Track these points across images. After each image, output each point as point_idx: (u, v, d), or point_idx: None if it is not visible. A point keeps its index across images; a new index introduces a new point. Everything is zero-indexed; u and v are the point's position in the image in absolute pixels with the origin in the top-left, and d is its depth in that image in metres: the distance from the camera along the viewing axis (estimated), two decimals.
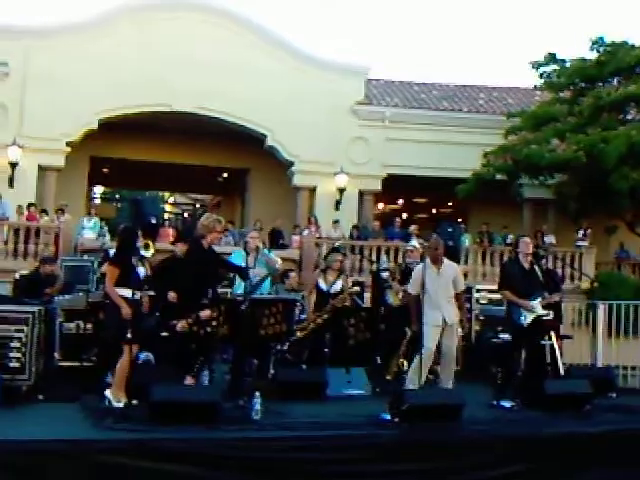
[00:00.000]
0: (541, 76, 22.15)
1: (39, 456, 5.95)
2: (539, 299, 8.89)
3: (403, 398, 7.26)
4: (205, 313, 8.28)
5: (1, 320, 8.24)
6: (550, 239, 19.90)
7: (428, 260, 8.68)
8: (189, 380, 7.97)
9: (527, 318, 8.80)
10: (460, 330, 9.39)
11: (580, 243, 20.15)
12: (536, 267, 9.21)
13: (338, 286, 10.01)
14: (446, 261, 8.77)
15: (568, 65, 21.42)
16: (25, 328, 8.27)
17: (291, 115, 20.94)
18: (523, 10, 64.47)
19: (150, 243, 7.84)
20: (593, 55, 20.95)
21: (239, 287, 9.41)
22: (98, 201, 31.43)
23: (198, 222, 8.77)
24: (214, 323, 8.56)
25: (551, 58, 21.80)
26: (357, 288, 10.71)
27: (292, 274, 11.39)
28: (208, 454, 6.30)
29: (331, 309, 9.72)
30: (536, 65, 21.92)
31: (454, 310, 8.64)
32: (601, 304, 11.84)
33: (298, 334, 9.68)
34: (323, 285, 10.06)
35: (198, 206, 33.31)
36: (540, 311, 8.88)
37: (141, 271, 7.80)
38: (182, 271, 8.51)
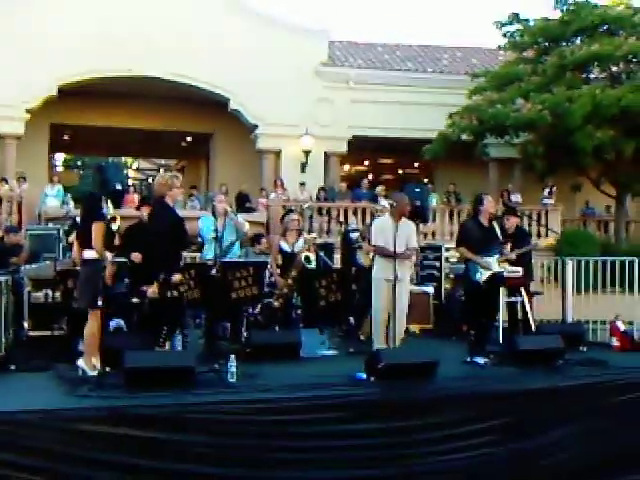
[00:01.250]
0: (505, 36, 22.10)
1: (14, 426, 5.86)
2: (496, 256, 8.84)
3: (379, 357, 7.28)
4: (176, 277, 8.21)
5: None
6: (517, 197, 20.03)
7: (388, 215, 8.65)
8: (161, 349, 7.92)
9: (483, 275, 8.75)
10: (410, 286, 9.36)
11: (546, 201, 20.33)
12: (495, 224, 9.20)
13: (300, 245, 10.01)
14: (404, 218, 8.71)
15: (532, 24, 21.41)
16: None
17: (254, 78, 20.67)
18: None
19: (117, 216, 7.75)
20: (557, 14, 20.97)
21: (209, 251, 9.35)
22: (60, 169, 31.04)
23: (153, 185, 8.63)
24: (184, 287, 8.52)
25: (514, 18, 21.75)
26: (314, 234, 10.71)
27: (263, 239, 11.35)
28: (184, 419, 6.24)
29: (297, 265, 9.71)
30: (500, 25, 21.87)
31: (407, 266, 8.70)
32: (569, 260, 11.97)
33: (276, 303, 9.68)
34: (286, 247, 10.06)
35: (162, 171, 33.03)
36: (496, 268, 8.82)
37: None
38: (150, 235, 8.37)
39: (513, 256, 9.39)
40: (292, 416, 6.52)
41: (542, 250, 12.78)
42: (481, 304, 8.84)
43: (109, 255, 7.56)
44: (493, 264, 8.79)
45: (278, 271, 9.90)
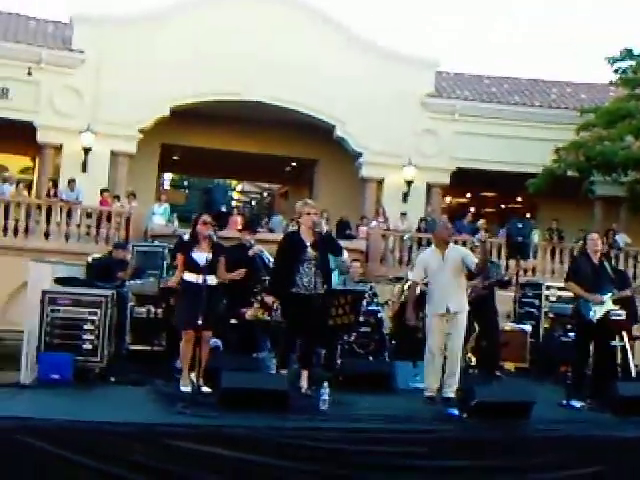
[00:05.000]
0: (616, 72, 21.61)
1: (109, 437, 6.06)
2: (609, 294, 8.60)
3: (472, 394, 7.20)
4: (268, 299, 8.36)
5: (75, 303, 8.45)
6: (622, 237, 19.47)
7: (433, 246, 8.53)
8: (285, 373, 7.95)
9: (597, 313, 8.51)
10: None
11: None
12: (606, 264, 8.94)
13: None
14: (451, 245, 8.44)
15: None
16: (98, 311, 8.46)
17: (361, 106, 20.88)
18: (599, 3, 63.17)
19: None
20: None
21: None
22: (168, 188, 31.85)
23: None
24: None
25: (627, 53, 21.22)
26: None
27: (355, 264, 11.39)
28: (276, 442, 6.32)
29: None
30: (611, 60, 21.39)
31: (462, 299, 8.36)
32: None
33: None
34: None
35: (265, 195, 33.49)
36: (610, 305, 8.58)
37: (199, 257, 7.84)
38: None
39: (629, 292, 9.16)
40: (381, 447, 6.51)
41: None
42: (587, 345, 8.64)
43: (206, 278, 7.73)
44: (606, 301, 8.57)
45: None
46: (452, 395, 7.93)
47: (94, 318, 8.42)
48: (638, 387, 8.43)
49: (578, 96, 23.96)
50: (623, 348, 9.62)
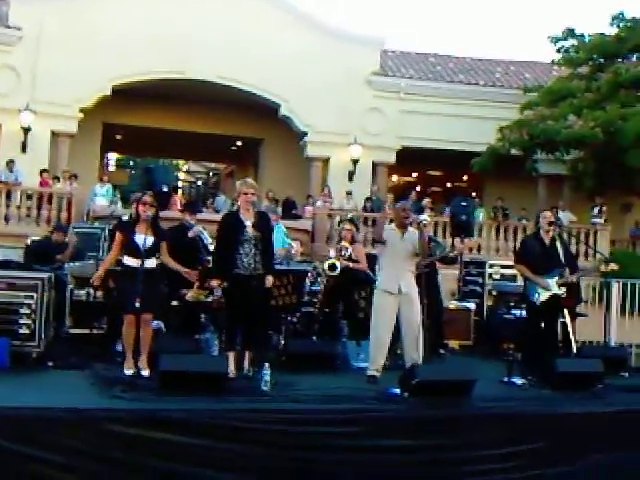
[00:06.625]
0: (559, 51, 21.84)
1: (45, 423, 5.92)
2: (556, 277, 8.66)
3: (414, 373, 7.19)
4: (214, 282, 8.24)
5: (10, 286, 8.19)
6: (567, 215, 19.71)
7: (394, 224, 8.45)
8: (232, 356, 7.75)
9: (541, 296, 8.60)
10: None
11: (595, 220, 19.97)
12: (558, 244, 8.97)
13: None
14: (410, 228, 8.34)
15: (587, 40, 21.13)
16: (35, 295, 8.22)
17: (306, 85, 20.79)
18: None
19: None
20: (613, 30, 20.63)
21: None
22: (113, 168, 31.40)
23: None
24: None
25: (570, 33, 21.51)
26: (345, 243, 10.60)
27: (295, 243, 11.34)
28: (216, 425, 6.25)
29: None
30: (554, 40, 21.62)
31: (413, 281, 8.22)
32: (615, 282, 11.71)
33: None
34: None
35: (212, 175, 33.25)
36: (556, 290, 8.64)
37: (139, 239, 7.68)
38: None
39: (574, 279, 9.09)
40: (322, 428, 6.49)
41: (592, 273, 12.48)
42: (537, 325, 8.70)
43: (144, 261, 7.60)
44: (552, 286, 8.62)
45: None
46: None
47: (30, 302, 8.19)
48: (575, 363, 8.53)
49: (522, 75, 24.20)
50: (564, 325, 9.72)
